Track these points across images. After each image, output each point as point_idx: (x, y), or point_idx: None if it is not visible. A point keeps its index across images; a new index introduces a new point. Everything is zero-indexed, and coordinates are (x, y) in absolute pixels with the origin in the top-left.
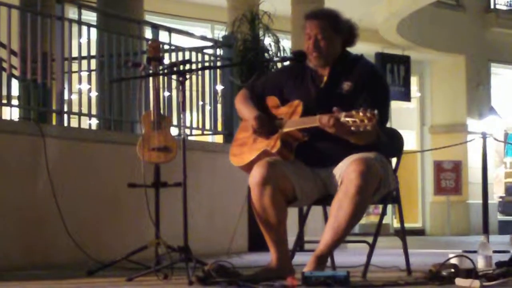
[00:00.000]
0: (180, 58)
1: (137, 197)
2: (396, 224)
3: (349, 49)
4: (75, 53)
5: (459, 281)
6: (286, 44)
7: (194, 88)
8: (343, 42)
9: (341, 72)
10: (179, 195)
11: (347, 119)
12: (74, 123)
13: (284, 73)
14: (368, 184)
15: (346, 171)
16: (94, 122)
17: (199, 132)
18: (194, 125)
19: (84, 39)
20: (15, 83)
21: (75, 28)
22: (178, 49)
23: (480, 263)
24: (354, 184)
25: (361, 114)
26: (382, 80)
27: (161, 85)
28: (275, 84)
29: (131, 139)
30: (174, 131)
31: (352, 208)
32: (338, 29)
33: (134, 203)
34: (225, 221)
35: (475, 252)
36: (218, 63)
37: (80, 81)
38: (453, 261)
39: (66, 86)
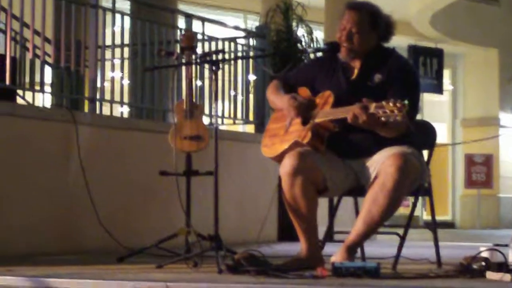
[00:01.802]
0: (213, 48)
1: (168, 185)
2: (426, 217)
3: None
4: (108, 41)
5: (490, 274)
6: (319, 35)
7: (226, 77)
8: (378, 37)
9: (373, 65)
10: (210, 184)
11: (377, 109)
12: (106, 110)
13: (315, 65)
14: (406, 179)
15: (383, 165)
16: (126, 110)
17: (231, 121)
18: (226, 114)
19: (117, 27)
20: (48, 70)
21: (108, 16)
22: (211, 39)
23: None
24: (393, 179)
25: (391, 104)
26: (413, 75)
27: (193, 75)
28: (307, 76)
29: (163, 128)
30: (205, 120)
31: (387, 202)
32: (376, 26)
33: (165, 191)
34: (255, 210)
35: (506, 245)
36: (251, 53)
37: (113, 69)
38: (484, 254)
39: (98, 73)
